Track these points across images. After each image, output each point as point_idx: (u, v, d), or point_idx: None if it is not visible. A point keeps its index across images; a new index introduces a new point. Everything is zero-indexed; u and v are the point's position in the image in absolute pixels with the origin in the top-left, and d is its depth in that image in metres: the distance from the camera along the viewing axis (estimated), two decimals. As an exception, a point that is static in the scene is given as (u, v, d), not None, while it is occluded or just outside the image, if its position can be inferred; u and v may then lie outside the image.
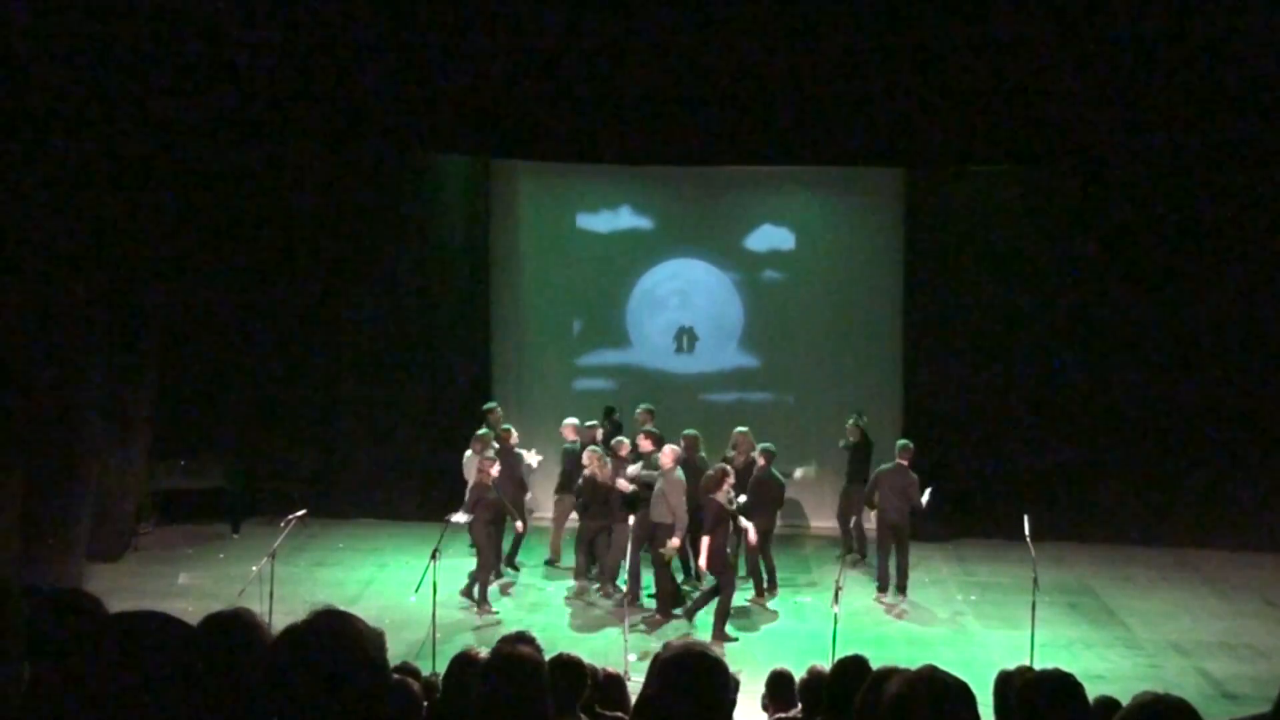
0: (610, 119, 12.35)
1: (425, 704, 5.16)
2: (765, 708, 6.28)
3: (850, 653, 5.08)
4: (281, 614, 8.26)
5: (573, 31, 11.40)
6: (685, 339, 15.25)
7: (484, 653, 5.10)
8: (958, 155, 13.43)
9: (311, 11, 11.40)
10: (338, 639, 2.10)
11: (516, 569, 12.66)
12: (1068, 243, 14.22)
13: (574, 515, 12.23)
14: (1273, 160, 12.73)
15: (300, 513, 10.66)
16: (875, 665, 4.60)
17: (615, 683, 6.15)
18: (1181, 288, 13.77)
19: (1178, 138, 12.19)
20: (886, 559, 11.98)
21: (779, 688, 6.21)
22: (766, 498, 11.67)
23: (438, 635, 9.49)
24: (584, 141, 12.90)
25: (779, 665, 6.50)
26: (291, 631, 2.15)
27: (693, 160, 13.66)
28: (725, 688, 3.06)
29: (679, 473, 11.13)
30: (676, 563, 11.63)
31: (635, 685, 7.10)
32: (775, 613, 11.58)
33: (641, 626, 10.75)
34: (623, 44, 11.53)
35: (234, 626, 2.49)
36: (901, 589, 11.87)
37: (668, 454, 11.17)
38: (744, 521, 11.05)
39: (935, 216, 14.51)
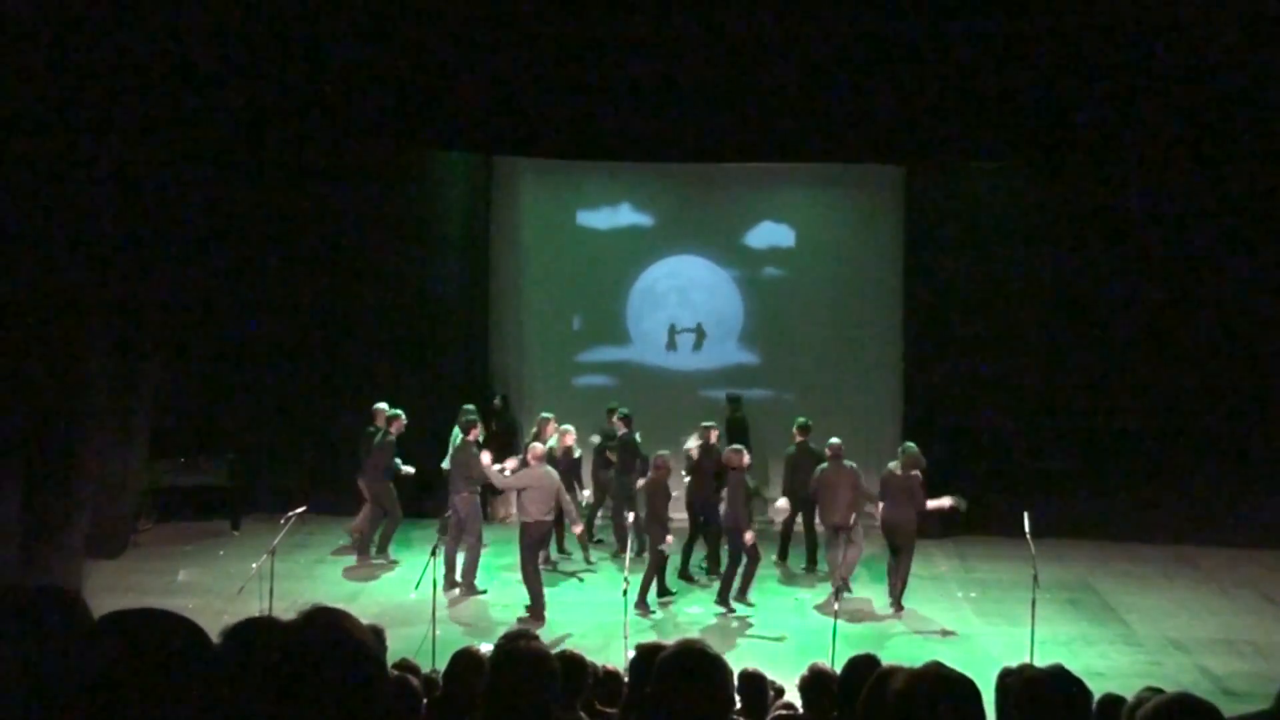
0: (611, 116, 12.36)
1: (425, 701, 5.16)
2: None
3: (861, 651, 5.06)
4: (282, 612, 8.26)
5: (573, 29, 11.40)
6: (681, 337, 15.25)
7: (485, 649, 5.11)
8: (958, 152, 13.44)
9: (313, 10, 11.39)
10: (331, 637, 2.09)
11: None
12: (1068, 240, 14.20)
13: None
14: (1273, 156, 12.72)
15: (300, 509, 10.62)
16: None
17: (614, 680, 6.14)
18: (1182, 285, 13.75)
19: (1178, 134, 12.19)
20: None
21: (749, 689, 6.14)
22: None
23: (438, 632, 9.48)
24: (585, 138, 12.90)
25: (748, 666, 6.37)
26: (284, 631, 2.13)
27: (693, 157, 13.66)
28: (725, 686, 3.05)
29: (543, 469, 11.19)
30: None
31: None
32: (776, 610, 11.58)
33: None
34: (623, 42, 11.53)
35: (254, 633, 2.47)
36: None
37: (535, 449, 11.44)
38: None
39: (935, 213, 14.50)
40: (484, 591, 11.80)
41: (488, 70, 11.87)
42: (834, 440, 11.95)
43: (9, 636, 2.03)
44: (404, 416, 12.84)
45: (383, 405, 13.08)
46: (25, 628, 2.05)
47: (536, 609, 11.06)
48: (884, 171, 14.59)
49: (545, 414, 13.13)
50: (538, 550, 11.22)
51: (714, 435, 12.55)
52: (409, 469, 12.86)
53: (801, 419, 13.03)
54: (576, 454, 12.98)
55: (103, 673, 1.77)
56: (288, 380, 14.78)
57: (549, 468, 11.34)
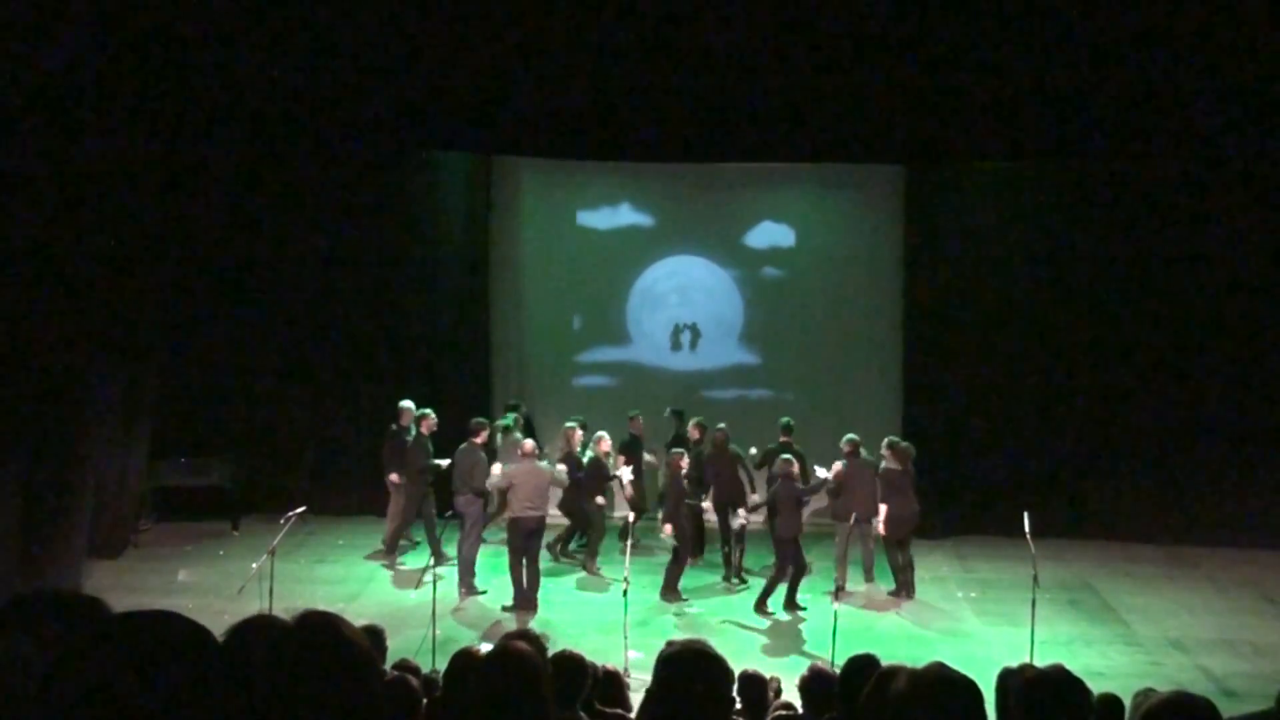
0: (611, 116, 12.35)
1: (425, 700, 5.15)
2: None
3: (860, 651, 5.05)
4: (281, 612, 8.24)
5: (573, 29, 11.39)
6: (684, 336, 15.25)
7: (485, 649, 5.11)
8: (958, 152, 13.43)
9: (312, 10, 11.39)
10: (324, 640, 2.09)
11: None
12: (1068, 240, 14.21)
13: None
14: (1274, 155, 12.72)
15: (300, 510, 10.61)
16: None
17: (614, 680, 6.14)
18: (1182, 285, 13.76)
19: (1178, 133, 12.19)
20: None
21: (749, 689, 6.13)
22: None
23: (438, 632, 9.49)
24: (584, 138, 12.89)
25: (748, 667, 6.37)
26: (278, 633, 2.13)
27: (693, 157, 13.66)
28: (725, 686, 3.05)
29: (530, 465, 11.31)
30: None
31: (634, 683, 7.11)
32: (772, 609, 11.57)
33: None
34: (623, 41, 11.52)
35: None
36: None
37: (525, 445, 11.53)
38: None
39: (935, 213, 14.50)
40: (484, 592, 11.80)
41: (488, 70, 11.86)
42: (852, 436, 12.15)
43: (35, 642, 2.04)
44: (433, 414, 12.69)
45: (408, 403, 12.98)
46: (51, 634, 2.06)
47: (519, 600, 11.21)
48: (884, 171, 14.59)
49: (570, 422, 12.99)
50: (521, 545, 11.24)
51: (721, 438, 12.71)
52: (444, 462, 12.52)
53: (785, 419, 13.05)
54: (611, 461, 12.77)
55: (112, 675, 1.77)
56: (287, 380, 14.77)
57: (538, 463, 11.43)
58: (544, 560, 12.64)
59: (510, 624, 10.62)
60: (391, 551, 12.89)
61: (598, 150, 13.51)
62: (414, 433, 12.62)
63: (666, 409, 13.78)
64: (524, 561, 11.32)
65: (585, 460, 12.58)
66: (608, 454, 12.64)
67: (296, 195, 14.36)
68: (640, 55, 11.61)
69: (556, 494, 12.32)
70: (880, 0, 11.36)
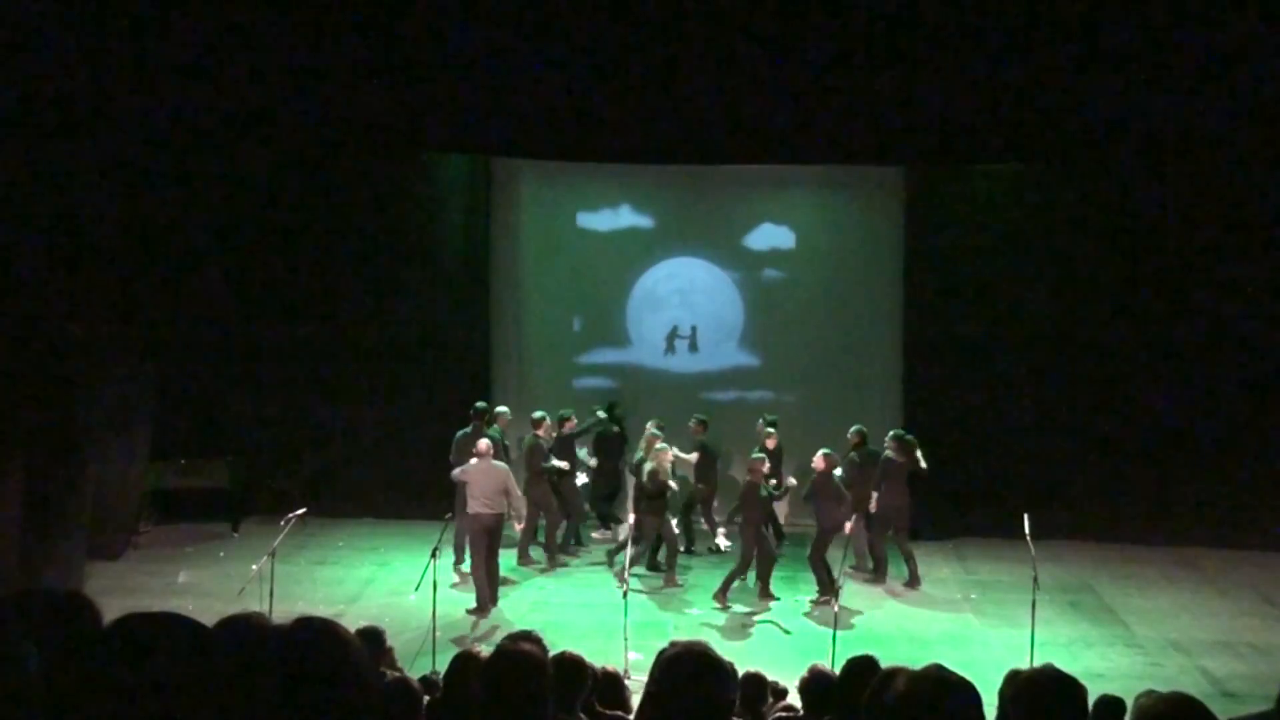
0: (611, 117, 12.35)
1: (426, 699, 5.15)
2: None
3: (859, 653, 5.05)
4: (281, 613, 8.25)
5: (573, 30, 11.40)
6: (678, 340, 15.24)
7: (485, 651, 5.11)
8: (958, 154, 13.44)
9: (311, 10, 11.40)
10: (322, 643, 2.09)
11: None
12: (1067, 241, 14.21)
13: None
14: (1273, 158, 12.72)
15: (300, 511, 10.61)
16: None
17: (614, 681, 6.13)
18: (1182, 286, 13.76)
19: (1178, 136, 12.19)
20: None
21: (746, 690, 6.12)
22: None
23: (438, 634, 9.48)
24: (584, 140, 12.90)
25: (751, 668, 6.38)
26: (275, 636, 2.14)
27: (693, 159, 13.65)
28: (726, 686, 3.05)
29: (487, 464, 11.28)
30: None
31: (634, 685, 7.10)
32: (773, 609, 11.56)
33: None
34: (623, 43, 11.53)
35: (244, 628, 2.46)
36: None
37: (480, 444, 11.47)
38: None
39: (935, 215, 14.50)
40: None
41: (488, 71, 11.87)
42: (860, 427, 12.55)
43: (24, 639, 2.04)
44: (549, 417, 12.90)
45: (504, 409, 13.07)
46: (39, 631, 2.06)
47: (482, 602, 11.17)
48: (884, 172, 14.58)
49: (654, 430, 12.83)
50: (481, 543, 11.18)
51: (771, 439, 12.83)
52: (563, 464, 12.90)
53: (771, 416, 13.32)
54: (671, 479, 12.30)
55: (118, 675, 1.78)
56: (287, 383, 14.78)
57: (496, 462, 11.39)
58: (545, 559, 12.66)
59: (509, 627, 10.61)
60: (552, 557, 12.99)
61: (598, 151, 13.51)
62: (530, 436, 12.72)
63: (595, 407, 13.85)
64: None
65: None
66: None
67: (297, 196, 14.36)
68: (641, 56, 11.62)
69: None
70: (881, 1, 11.37)
